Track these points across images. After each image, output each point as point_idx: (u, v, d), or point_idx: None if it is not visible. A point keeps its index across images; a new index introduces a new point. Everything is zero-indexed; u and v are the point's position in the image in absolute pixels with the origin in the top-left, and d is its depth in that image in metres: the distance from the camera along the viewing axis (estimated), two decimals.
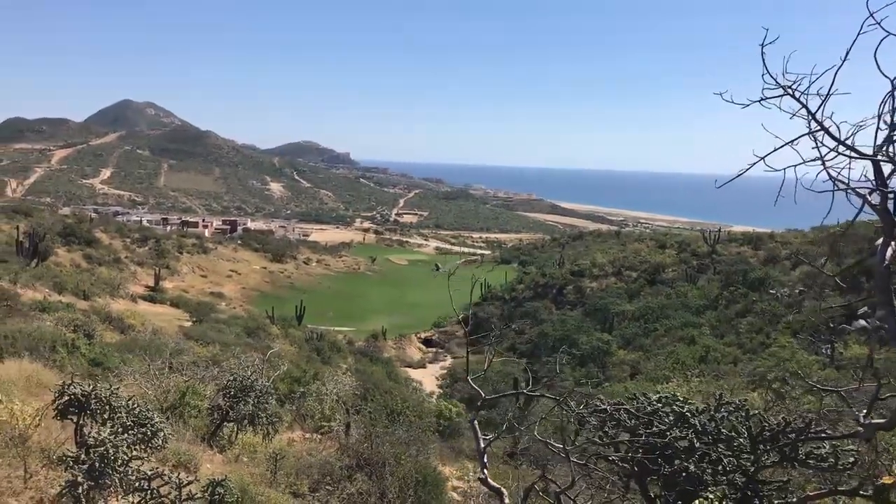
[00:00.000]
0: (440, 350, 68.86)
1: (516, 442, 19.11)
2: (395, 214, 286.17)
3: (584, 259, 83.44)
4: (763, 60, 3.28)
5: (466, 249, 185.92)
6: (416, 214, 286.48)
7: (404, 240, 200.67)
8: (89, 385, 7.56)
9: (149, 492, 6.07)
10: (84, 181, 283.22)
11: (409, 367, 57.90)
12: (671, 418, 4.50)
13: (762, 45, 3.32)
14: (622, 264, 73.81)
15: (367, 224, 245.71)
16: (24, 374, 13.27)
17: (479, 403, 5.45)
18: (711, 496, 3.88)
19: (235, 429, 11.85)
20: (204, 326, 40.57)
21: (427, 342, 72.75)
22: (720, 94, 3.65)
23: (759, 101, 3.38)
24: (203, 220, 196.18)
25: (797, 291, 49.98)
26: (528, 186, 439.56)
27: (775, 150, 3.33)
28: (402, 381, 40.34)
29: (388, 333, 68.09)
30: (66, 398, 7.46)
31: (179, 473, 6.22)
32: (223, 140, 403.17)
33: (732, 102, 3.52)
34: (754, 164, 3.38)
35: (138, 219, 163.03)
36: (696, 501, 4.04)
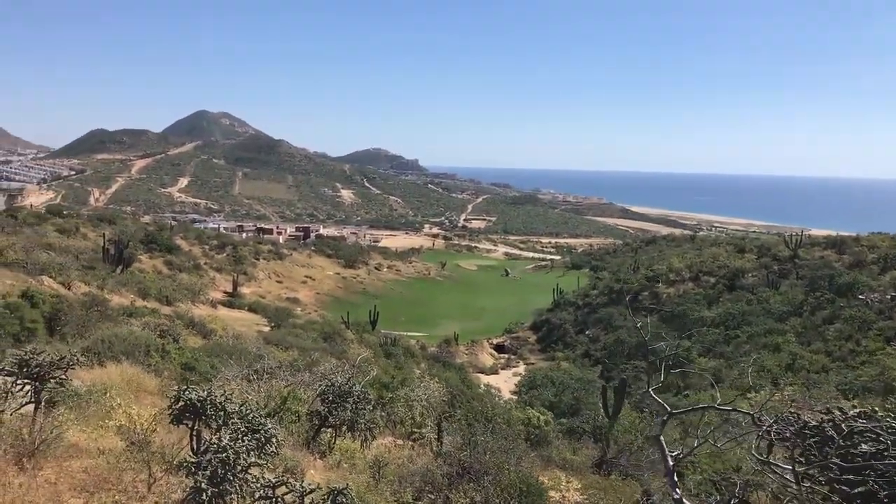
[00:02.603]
0: (512, 356, 68.35)
1: (605, 451, 18.65)
2: (464, 220, 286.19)
3: (660, 264, 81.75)
4: None
5: (535, 254, 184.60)
6: (485, 220, 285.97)
7: (473, 245, 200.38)
8: (204, 391, 7.59)
9: (273, 499, 6.02)
10: (162, 190, 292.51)
11: (482, 372, 57.58)
12: (888, 437, 4.07)
13: None
14: (699, 269, 71.98)
15: (435, 230, 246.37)
16: (125, 378, 13.61)
17: (664, 418, 5.15)
18: None
19: (334, 434, 11.84)
20: (282, 331, 41.10)
21: (499, 348, 72.33)
22: None
23: None
24: (277, 227, 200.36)
25: (888, 297, 47.89)
26: (598, 191, 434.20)
27: None
28: (475, 386, 40.12)
29: (459, 339, 67.93)
30: (182, 403, 7.50)
31: (303, 481, 6.17)
32: (295, 149, 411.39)
33: None
34: None
35: (215, 226, 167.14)
36: None
